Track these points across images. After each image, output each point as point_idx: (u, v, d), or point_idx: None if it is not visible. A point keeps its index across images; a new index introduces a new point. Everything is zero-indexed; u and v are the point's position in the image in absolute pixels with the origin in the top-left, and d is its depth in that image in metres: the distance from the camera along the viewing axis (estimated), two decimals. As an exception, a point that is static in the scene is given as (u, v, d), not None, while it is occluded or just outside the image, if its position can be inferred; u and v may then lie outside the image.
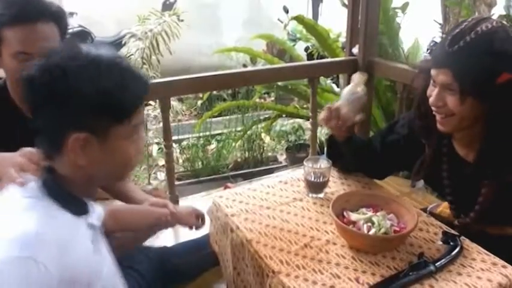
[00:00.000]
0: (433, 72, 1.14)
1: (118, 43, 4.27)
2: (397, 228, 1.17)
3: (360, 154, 1.44)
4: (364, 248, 1.15)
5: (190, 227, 1.43)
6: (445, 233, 1.20)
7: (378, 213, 1.20)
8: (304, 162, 1.40)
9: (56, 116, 0.82)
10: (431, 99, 1.17)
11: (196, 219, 1.43)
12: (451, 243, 1.15)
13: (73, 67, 0.81)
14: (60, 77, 0.80)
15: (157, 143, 3.53)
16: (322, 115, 1.36)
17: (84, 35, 5.12)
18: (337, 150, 1.44)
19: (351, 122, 1.35)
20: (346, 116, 1.33)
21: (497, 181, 1.18)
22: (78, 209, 0.89)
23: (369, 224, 1.17)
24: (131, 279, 1.25)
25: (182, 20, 3.98)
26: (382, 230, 1.14)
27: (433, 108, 1.18)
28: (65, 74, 0.80)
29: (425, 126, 1.28)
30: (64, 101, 0.81)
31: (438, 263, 1.08)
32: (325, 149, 1.50)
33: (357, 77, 1.37)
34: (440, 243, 1.17)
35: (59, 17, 1.27)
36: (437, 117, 1.19)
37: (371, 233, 1.14)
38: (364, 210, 1.23)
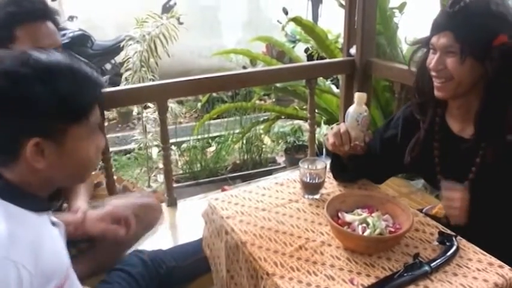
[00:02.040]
0: (433, 39, 1.21)
1: (118, 47, 4.27)
2: (393, 229, 1.16)
3: (362, 162, 1.42)
4: (359, 249, 1.14)
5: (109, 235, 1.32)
6: (441, 233, 1.20)
7: (373, 214, 1.19)
8: (300, 164, 1.39)
9: (8, 123, 0.81)
10: (432, 64, 1.22)
11: (113, 223, 1.31)
12: (447, 244, 1.14)
13: (23, 73, 0.80)
14: (10, 85, 0.79)
15: (157, 146, 3.52)
16: (331, 140, 1.34)
17: (84, 38, 5.13)
18: (343, 167, 1.44)
19: (362, 142, 1.35)
20: (357, 138, 1.33)
21: (492, 147, 1.21)
22: (38, 206, 0.89)
23: (364, 224, 1.16)
24: (122, 282, 1.24)
25: (182, 23, 3.98)
26: (377, 231, 1.14)
27: (432, 74, 1.23)
28: (16, 81, 0.80)
29: (421, 103, 1.34)
30: (17, 109, 0.80)
31: (433, 263, 1.07)
32: (329, 164, 1.47)
33: (359, 96, 1.36)
34: (437, 243, 1.17)
35: (55, 15, 1.35)
36: (436, 83, 1.24)
37: (366, 234, 1.13)
38: (359, 211, 1.22)
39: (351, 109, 1.35)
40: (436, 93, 1.24)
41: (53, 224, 0.93)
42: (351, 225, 1.17)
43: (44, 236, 0.85)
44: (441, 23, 1.19)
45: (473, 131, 1.24)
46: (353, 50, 2.42)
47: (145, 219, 1.58)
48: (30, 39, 1.27)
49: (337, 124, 1.41)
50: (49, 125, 0.83)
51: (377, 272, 1.07)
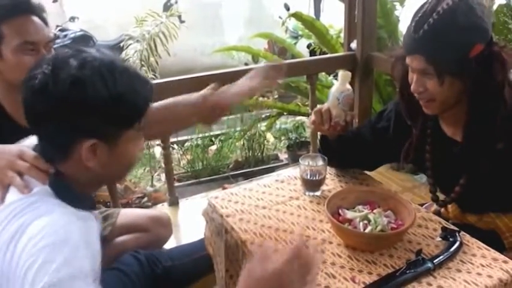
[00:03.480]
0: (407, 59, 1.15)
1: (119, 46, 4.27)
2: (395, 225, 1.14)
3: (352, 147, 1.42)
4: (360, 246, 1.12)
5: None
6: (444, 228, 1.17)
7: (375, 211, 1.17)
8: (300, 160, 1.38)
9: (67, 124, 0.82)
10: (412, 87, 1.17)
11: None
12: (451, 239, 1.12)
13: (88, 76, 0.80)
14: (74, 88, 0.79)
15: (160, 145, 3.52)
16: (312, 118, 1.34)
17: (86, 39, 5.14)
18: (331, 148, 1.42)
19: (343, 122, 1.34)
20: (338, 117, 1.32)
21: (483, 154, 1.18)
22: (88, 205, 0.91)
23: (365, 221, 1.14)
24: (117, 281, 1.23)
25: (183, 21, 3.97)
26: (379, 228, 1.12)
27: (415, 94, 1.18)
28: (80, 83, 0.79)
29: (410, 110, 1.29)
30: (78, 110, 0.80)
31: (436, 259, 1.05)
32: (319, 148, 1.47)
33: (343, 75, 1.34)
34: (440, 239, 1.14)
35: (41, 10, 1.30)
36: (421, 102, 1.20)
37: (367, 230, 1.12)
38: (360, 207, 1.20)
39: (334, 88, 1.34)
40: (424, 110, 1.21)
41: (95, 216, 0.95)
42: (352, 222, 1.15)
43: (92, 233, 0.88)
44: (409, 45, 1.12)
45: (463, 137, 1.21)
46: (354, 45, 2.39)
47: (154, 232, 1.58)
48: (18, 35, 1.22)
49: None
50: (106, 129, 0.83)
51: (379, 269, 1.05)
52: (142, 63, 2.93)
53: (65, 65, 0.81)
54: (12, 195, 0.86)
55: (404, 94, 1.26)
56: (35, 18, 1.26)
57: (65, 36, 5.05)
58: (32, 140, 0.94)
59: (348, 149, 1.41)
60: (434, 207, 1.41)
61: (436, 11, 1.06)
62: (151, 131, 1.12)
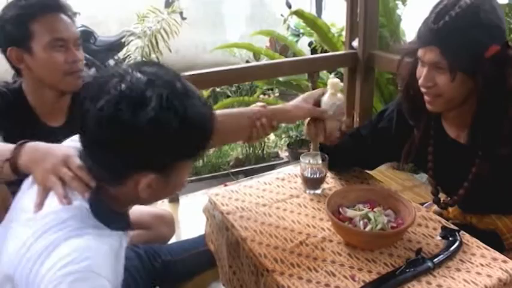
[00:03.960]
0: (420, 52, 1.13)
1: (121, 42, 4.27)
2: (395, 224, 1.14)
3: (352, 147, 1.42)
4: (361, 244, 1.12)
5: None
6: (444, 228, 1.18)
7: (375, 209, 1.17)
8: (301, 158, 1.38)
9: (131, 157, 0.76)
10: (420, 80, 1.15)
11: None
12: (450, 238, 1.12)
13: (165, 116, 0.73)
14: (152, 126, 0.72)
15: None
16: (306, 131, 1.35)
17: (87, 34, 5.12)
18: (331, 153, 1.40)
19: (338, 132, 1.34)
20: (332, 128, 1.32)
21: (488, 158, 1.17)
22: (122, 225, 0.88)
23: (365, 220, 1.14)
24: None
25: (185, 18, 3.96)
26: (379, 226, 1.12)
27: (422, 89, 1.17)
28: (158, 124, 0.73)
29: (413, 109, 1.27)
30: (149, 147, 0.74)
31: (436, 259, 1.05)
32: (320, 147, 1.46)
33: (333, 84, 1.29)
34: (439, 238, 1.15)
35: (68, 9, 1.32)
36: (426, 97, 1.18)
37: (367, 229, 1.12)
38: (360, 206, 1.20)
39: (325, 98, 1.29)
40: (428, 106, 1.19)
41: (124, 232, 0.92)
42: (352, 220, 1.16)
43: (120, 254, 0.85)
44: (426, 37, 1.11)
45: (467, 139, 1.20)
46: (355, 43, 2.39)
47: (156, 230, 1.59)
48: (48, 32, 1.24)
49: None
50: (168, 164, 0.79)
51: (379, 268, 1.06)
52: (144, 59, 2.93)
53: (142, 99, 0.73)
54: (51, 202, 0.83)
55: (409, 91, 1.25)
56: (64, 16, 1.28)
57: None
58: (76, 143, 0.86)
59: (349, 149, 1.41)
60: (436, 208, 1.41)
61: (459, 4, 1.06)
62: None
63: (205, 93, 4.67)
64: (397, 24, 2.83)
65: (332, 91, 1.27)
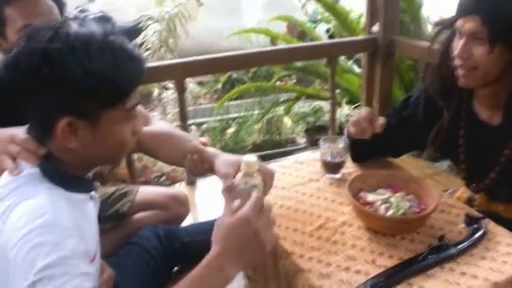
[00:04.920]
0: (459, 22, 1.11)
1: (138, 28, 4.26)
2: (417, 210, 1.12)
3: (378, 140, 1.37)
4: (382, 229, 1.10)
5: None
6: (468, 215, 1.15)
7: (397, 194, 1.15)
8: (321, 142, 1.36)
9: (43, 101, 0.79)
10: (456, 51, 1.12)
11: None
12: (474, 226, 1.10)
13: (57, 50, 0.75)
14: (43, 62, 0.75)
15: (177, 126, 3.52)
16: (353, 130, 1.29)
17: (104, 20, 5.12)
18: (357, 149, 1.38)
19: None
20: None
21: None
22: (82, 187, 0.88)
23: (387, 204, 1.12)
24: (134, 255, 1.24)
25: (202, 4, 3.93)
26: (401, 211, 1.10)
27: (457, 62, 1.14)
28: (49, 58, 0.75)
29: (444, 89, 1.24)
30: (50, 86, 0.76)
31: (460, 246, 1.03)
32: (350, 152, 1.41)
33: (248, 165, 0.95)
34: (463, 225, 1.12)
35: None
36: (460, 71, 1.14)
37: (389, 214, 1.10)
38: (381, 191, 1.18)
39: (238, 176, 0.98)
40: (461, 81, 1.15)
41: (90, 197, 0.92)
42: (373, 205, 1.14)
43: (84, 218, 0.85)
44: (467, 5, 1.09)
45: (502, 119, 1.17)
46: (376, 28, 2.34)
47: (172, 210, 1.59)
48: (20, 18, 1.17)
49: (358, 107, 1.34)
50: (81, 106, 0.78)
51: (400, 253, 1.04)
52: (162, 43, 2.92)
53: (37, 37, 0.77)
54: (4, 178, 0.84)
55: (441, 69, 1.22)
56: (44, 1, 1.21)
57: (84, 17, 5.04)
58: None
59: (376, 140, 1.38)
60: (467, 193, 1.37)
61: None
62: (142, 148, 1.09)
63: (221, 79, 4.68)
64: (418, 9, 2.76)
65: (246, 171, 0.96)
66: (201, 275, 0.77)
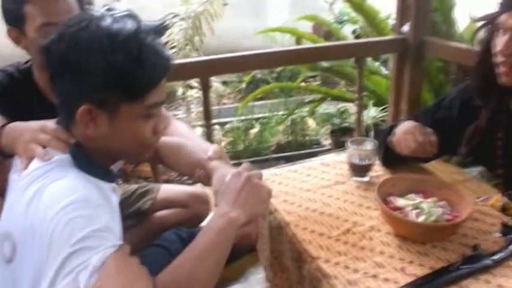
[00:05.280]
0: (503, 17, 1.06)
1: (164, 26, 4.28)
2: (450, 217, 1.07)
3: None
4: (412, 236, 1.06)
5: None
6: (504, 224, 1.09)
7: (428, 200, 1.10)
8: (348, 143, 1.32)
9: (69, 85, 0.82)
10: (499, 47, 1.08)
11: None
12: (511, 236, 1.04)
13: (85, 38, 0.79)
14: (71, 47, 0.79)
15: (201, 125, 3.52)
16: (413, 147, 1.22)
17: (130, 18, 5.16)
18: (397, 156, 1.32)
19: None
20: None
21: None
22: (106, 177, 0.89)
23: (418, 210, 1.07)
24: (159, 256, 1.23)
25: (227, 4, 3.92)
26: (432, 218, 1.05)
27: (498, 59, 1.10)
28: (77, 44, 0.79)
29: (484, 87, 1.19)
30: (76, 72, 0.80)
31: (496, 256, 0.97)
32: (381, 157, 1.37)
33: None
34: (499, 235, 1.06)
35: None
36: (502, 68, 1.10)
37: (420, 220, 1.05)
38: (412, 195, 1.13)
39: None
40: (503, 79, 1.11)
41: (113, 189, 0.93)
42: (403, 210, 1.09)
43: (110, 200, 0.87)
44: None
45: None
46: (406, 28, 2.28)
47: (193, 208, 1.57)
48: (40, 16, 1.17)
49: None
50: (101, 96, 0.81)
51: (431, 262, 0.99)
52: (187, 41, 2.91)
53: (71, 25, 0.82)
54: (34, 163, 0.86)
55: (482, 67, 1.17)
56: None
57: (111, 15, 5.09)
58: None
59: None
60: (502, 201, 1.30)
61: None
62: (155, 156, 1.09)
63: (245, 79, 4.66)
64: (450, 9, 2.67)
65: None
66: (208, 227, 0.85)
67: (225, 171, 1.00)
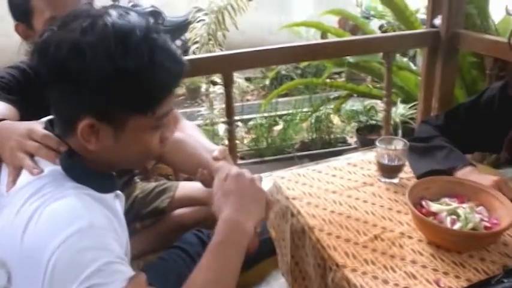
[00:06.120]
0: None
1: (188, 22, 4.25)
2: (488, 224, 0.98)
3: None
4: (447, 245, 0.97)
5: None
6: (549, 232, 1.00)
7: (465, 205, 1.01)
8: (377, 143, 1.24)
9: (68, 94, 0.72)
10: None
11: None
12: (558, 246, 0.95)
13: (88, 43, 0.68)
14: (71, 54, 0.68)
15: (224, 122, 3.48)
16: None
17: (155, 15, 5.17)
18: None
19: None
20: None
21: None
22: (107, 185, 0.82)
23: (454, 216, 0.99)
24: (178, 259, 1.18)
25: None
26: (470, 225, 0.96)
27: None
28: (78, 52, 0.68)
29: None
30: (76, 82, 0.69)
31: (542, 269, 0.88)
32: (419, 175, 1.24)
33: None
34: (543, 244, 0.97)
35: None
36: None
37: (456, 227, 0.96)
38: (447, 200, 1.05)
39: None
40: None
41: (116, 195, 0.86)
42: (437, 216, 1.01)
43: (111, 218, 0.78)
44: None
45: None
46: (438, 21, 2.16)
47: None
48: (47, 9, 1.13)
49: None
50: (107, 109, 0.71)
51: (468, 273, 0.91)
52: (210, 37, 2.86)
53: (72, 25, 0.70)
54: (24, 178, 0.77)
55: None
56: None
57: (127, 9, 5.10)
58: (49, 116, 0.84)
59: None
60: None
61: None
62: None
63: (269, 75, 4.59)
64: (485, 1, 2.54)
65: None
66: (219, 241, 0.79)
67: (228, 172, 0.94)
